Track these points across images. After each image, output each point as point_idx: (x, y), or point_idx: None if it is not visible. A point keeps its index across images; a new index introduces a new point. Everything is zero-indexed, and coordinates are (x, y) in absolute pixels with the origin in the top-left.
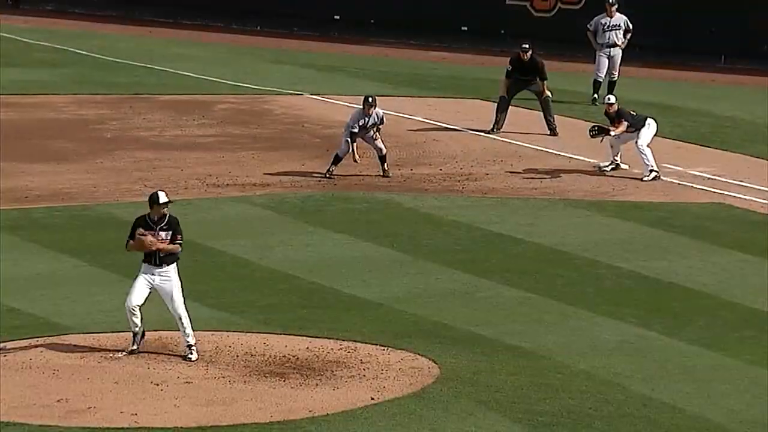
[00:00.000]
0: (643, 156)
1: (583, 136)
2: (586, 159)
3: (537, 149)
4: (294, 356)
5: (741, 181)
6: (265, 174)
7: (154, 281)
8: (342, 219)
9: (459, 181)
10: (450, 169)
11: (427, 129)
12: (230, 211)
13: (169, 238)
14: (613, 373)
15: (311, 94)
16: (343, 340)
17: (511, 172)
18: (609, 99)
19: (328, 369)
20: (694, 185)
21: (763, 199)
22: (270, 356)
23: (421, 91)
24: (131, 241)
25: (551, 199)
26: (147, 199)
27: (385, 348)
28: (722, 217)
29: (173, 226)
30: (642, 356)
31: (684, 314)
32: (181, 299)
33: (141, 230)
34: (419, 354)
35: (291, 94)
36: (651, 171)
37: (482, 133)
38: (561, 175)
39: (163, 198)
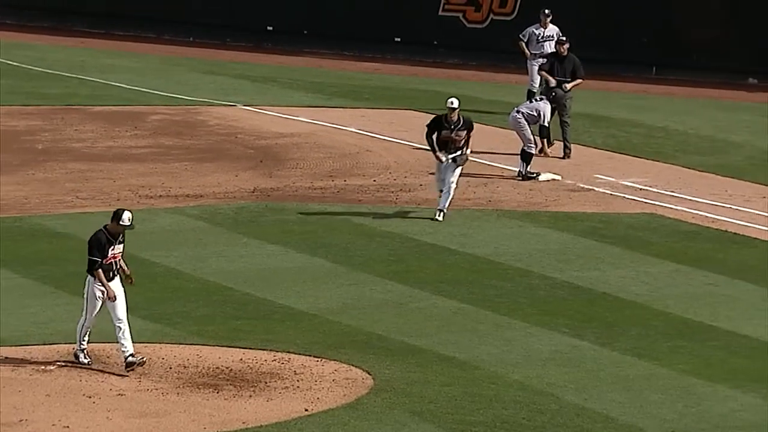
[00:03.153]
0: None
1: (516, 148)
2: (516, 169)
3: (470, 160)
4: (227, 368)
5: (672, 191)
6: (198, 185)
7: (104, 293)
8: (276, 230)
9: (393, 191)
10: (384, 179)
11: (361, 140)
12: (163, 222)
13: (123, 249)
14: (547, 383)
15: (244, 105)
16: (277, 351)
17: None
18: (452, 103)
19: (261, 380)
20: (626, 195)
21: (694, 209)
22: (203, 368)
23: (354, 102)
24: (104, 278)
25: (484, 209)
26: (82, 211)
27: (319, 359)
28: (654, 227)
29: (123, 239)
30: (575, 366)
31: (617, 324)
32: (125, 307)
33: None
34: (353, 365)
35: (224, 105)
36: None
37: (419, 145)
38: (494, 185)
39: (127, 220)
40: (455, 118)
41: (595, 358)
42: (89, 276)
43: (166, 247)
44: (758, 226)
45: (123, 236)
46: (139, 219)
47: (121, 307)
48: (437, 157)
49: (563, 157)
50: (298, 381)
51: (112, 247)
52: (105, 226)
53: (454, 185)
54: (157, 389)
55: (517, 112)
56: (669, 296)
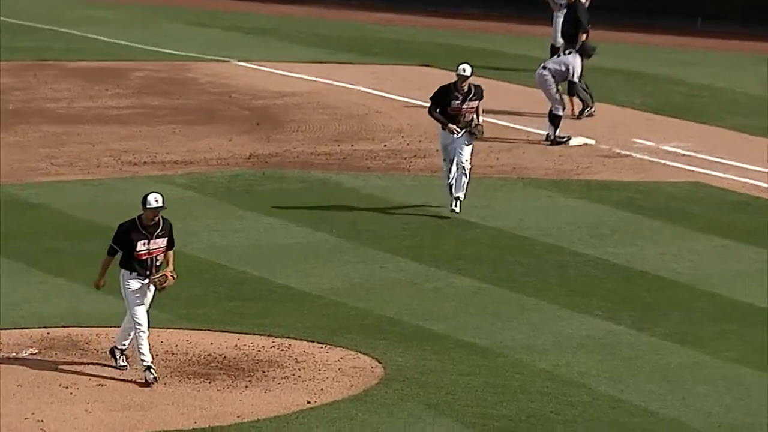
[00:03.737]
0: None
1: (544, 108)
2: (544, 132)
3: (493, 122)
4: (221, 355)
5: (719, 157)
6: (187, 150)
7: (141, 286)
8: (274, 201)
9: (406, 158)
10: (395, 144)
11: (370, 100)
12: (148, 192)
13: (165, 244)
14: (578, 373)
15: (239, 61)
16: (276, 337)
17: None
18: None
19: (258, 369)
20: (667, 162)
21: (743, 178)
22: (193, 355)
23: (363, 58)
24: (102, 270)
25: (509, 178)
26: (58, 179)
27: (323, 345)
28: (698, 198)
29: (169, 231)
30: (610, 353)
31: (656, 306)
32: (147, 306)
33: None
34: (361, 352)
35: (216, 60)
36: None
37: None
38: (520, 150)
39: (154, 202)
40: (466, 87)
41: (633, 345)
42: (122, 269)
43: None
44: None
45: (164, 226)
46: (120, 188)
47: (141, 308)
48: (450, 129)
49: (578, 116)
50: (299, 370)
51: (146, 241)
52: (139, 217)
53: (468, 165)
54: (142, 379)
55: (543, 68)
56: (715, 275)
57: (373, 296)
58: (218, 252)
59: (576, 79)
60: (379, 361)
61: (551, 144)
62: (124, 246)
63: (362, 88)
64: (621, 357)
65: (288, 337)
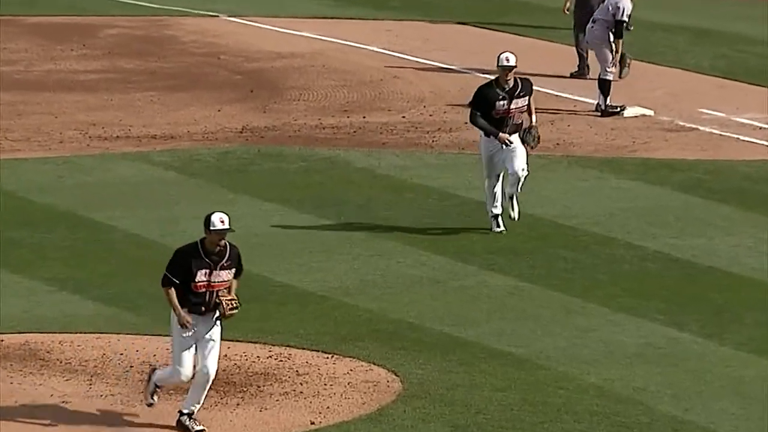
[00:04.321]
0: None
1: (593, 72)
2: (594, 101)
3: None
4: None
5: None
6: (168, 123)
7: (196, 330)
8: (272, 182)
9: (428, 132)
10: (416, 116)
11: (386, 63)
12: (122, 172)
13: (231, 276)
14: (634, 388)
15: (229, 16)
16: (274, 345)
17: None
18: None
19: (253, 383)
20: (741, 137)
21: None
22: None
23: (377, 12)
24: (176, 303)
25: (551, 155)
26: (13, 156)
27: (330, 355)
28: None
29: (236, 260)
30: (672, 365)
31: (728, 309)
32: (218, 355)
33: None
34: (375, 363)
35: (202, 15)
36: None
37: (464, 69)
38: (564, 123)
39: (219, 223)
40: (511, 82)
41: (700, 355)
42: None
43: (125, 205)
44: None
45: (231, 254)
46: (88, 167)
47: (212, 355)
48: (502, 139)
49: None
50: (301, 384)
51: (207, 271)
52: (201, 241)
53: (525, 173)
54: (113, 395)
55: (593, 21)
56: None
57: (389, 297)
58: None
59: (626, 18)
60: (396, 374)
61: (602, 115)
62: (180, 275)
63: (376, 49)
64: (685, 370)
65: (288, 346)
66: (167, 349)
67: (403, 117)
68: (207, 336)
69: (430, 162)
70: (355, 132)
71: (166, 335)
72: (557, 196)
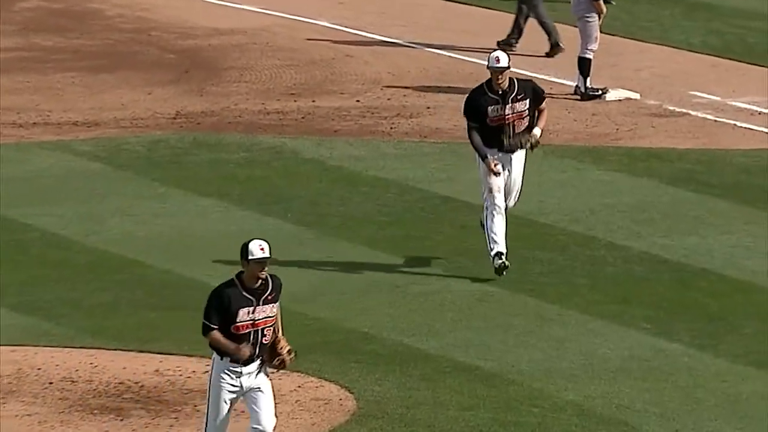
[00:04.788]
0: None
1: (573, 51)
2: (573, 83)
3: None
4: (137, 383)
5: None
6: (91, 108)
7: (242, 385)
8: (210, 175)
9: (386, 118)
10: (372, 100)
11: (338, 39)
12: (40, 163)
13: (276, 312)
14: (617, 406)
15: None
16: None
17: None
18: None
19: (188, 402)
20: (738, 123)
21: None
22: (100, 383)
23: None
24: (226, 342)
25: None
26: None
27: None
28: None
29: (279, 292)
30: (661, 380)
31: (724, 317)
32: (273, 406)
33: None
34: (326, 379)
35: None
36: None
37: (425, 47)
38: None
39: (259, 251)
40: (505, 84)
41: (691, 369)
42: (214, 355)
43: (43, 202)
44: None
45: (274, 286)
46: (2, 158)
47: (266, 407)
48: (488, 166)
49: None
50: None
51: (250, 309)
52: (238, 276)
53: (514, 198)
54: (30, 415)
55: None
56: None
57: (343, 304)
58: (134, 244)
59: None
60: (350, 391)
61: (582, 98)
62: (219, 318)
63: (327, 24)
64: (676, 385)
65: None
66: (91, 364)
67: (358, 101)
68: (254, 386)
69: (388, 152)
70: (303, 118)
71: (91, 347)
72: (531, 190)
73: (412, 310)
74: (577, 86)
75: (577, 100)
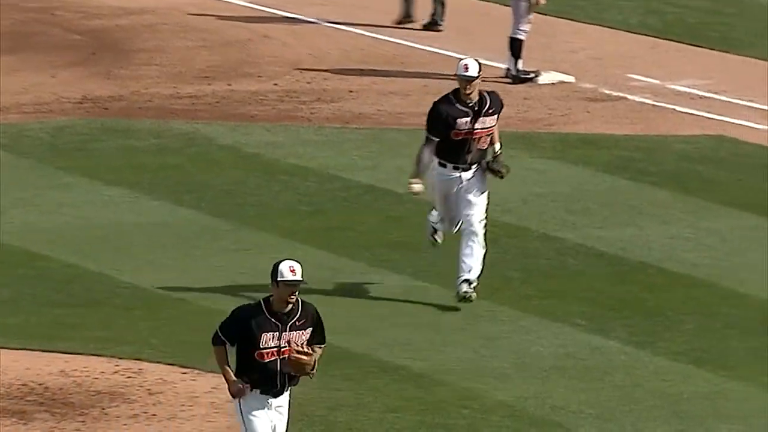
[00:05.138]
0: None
1: (502, 30)
2: (504, 66)
3: (430, 51)
4: (41, 384)
5: (750, 100)
6: None
7: (270, 418)
8: (118, 163)
9: (306, 102)
10: (291, 83)
11: (255, 19)
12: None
13: (306, 339)
14: (552, 407)
15: None
16: (121, 358)
17: (391, 92)
18: None
19: (96, 404)
20: (678, 107)
21: None
22: (2, 384)
23: None
24: (225, 365)
25: None
26: None
27: (188, 370)
28: (722, 158)
29: (312, 320)
30: (597, 379)
31: (663, 312)
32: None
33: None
34: None
35: None
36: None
37: (347, 27)
38: None
39: (289, 273)
40: (475, 96)
41: (629, 367)
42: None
43: None
44: None
45: (304, 311)
46: None
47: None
48: (408, 185)
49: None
50: (154, 405)
51: (275, 334)
52: (266, 298)
53: (481, 229)
54: None
55: None
56: (745, 267)
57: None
58: (37, 237)
59: None
60: None
61: (513, 82)
62: (237, 338)
63: (242, 2)
64: (613, 385)
65: (138, 359)
66: None
67: (276, 84)
68: (276, 407)
69: (308, 138)
70: (218, 102)
71: None
72: None
73: (334, 307)
74: (508, 69)
75: (508, 83)
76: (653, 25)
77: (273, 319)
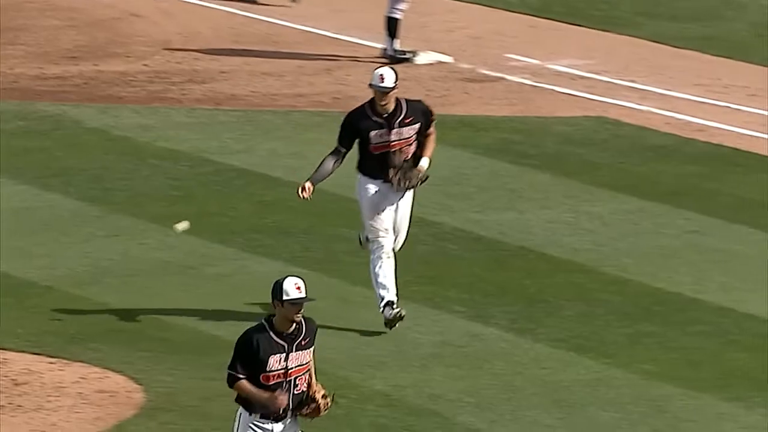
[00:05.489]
0: None
1: (377, 8)
2: (380, 46)
3: (303, 30)
4: None
5: (632, 80)
6: None
7: None
8: None
9: (176, 83)
10: (161, 64)
11: None
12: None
13: (311, 357)
14: (429, 396)
15: None
16: None
17: (264, 73)
18: None
19: None
20: (558, 88)
21: (669, 111)
22: None
23: None
24: (257, 392)
25: (328, 112)
26: None
27: (56, 360)
28: (603, 140)
29: (315, 335)
30: (476, 368)
31: (543, 299)
32: None
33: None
34: (112, 369)
35: None
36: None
37: (218, 5)
38: (343, 72)
39: (295, 291)
40: (391, 106)
41: (509, 355)
42: (241, 406)
43: None
44: None
45: (308, 329)
46: None
47: None
48: (300, 189)
49: None
50: (20, 396)
51: (282, 356)
52: (268, 319)
53: (402, 238)
54: None
55: None
56: (626, 252)
57: (130, 287)
58: None
59: None
60: (138, 383)
61: (390, 62)
62: (247, 367)
63: None
64: (492, 372)
65: (2, 348)
66: None
67: (145, 65)
68: None
69: (179, 120)
70: (85, 84)
71: None
72: None
73: (206, 294)
74: (384, 49)
75: (384, 63)
76: (532, 4)
77: (279, 341)
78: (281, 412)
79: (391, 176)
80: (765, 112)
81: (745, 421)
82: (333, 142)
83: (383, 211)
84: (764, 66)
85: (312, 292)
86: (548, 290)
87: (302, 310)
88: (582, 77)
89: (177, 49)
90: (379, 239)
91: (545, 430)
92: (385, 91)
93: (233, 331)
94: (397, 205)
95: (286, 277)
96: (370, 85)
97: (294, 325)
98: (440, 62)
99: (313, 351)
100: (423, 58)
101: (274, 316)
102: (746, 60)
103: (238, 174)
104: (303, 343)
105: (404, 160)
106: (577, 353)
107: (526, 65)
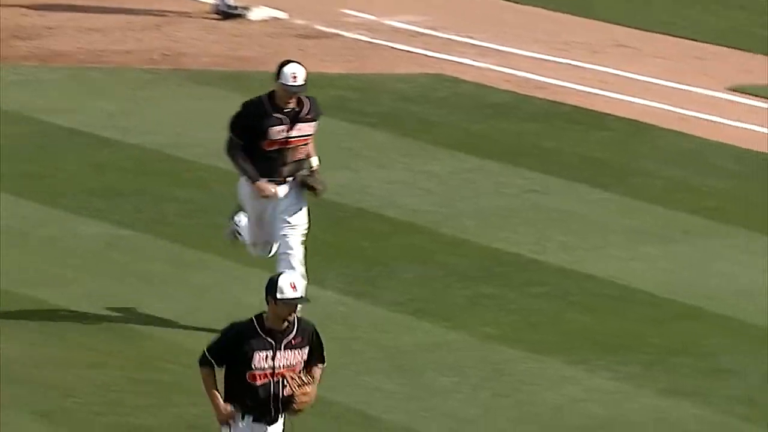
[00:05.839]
0: None
1: None
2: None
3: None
4: None
5: (471, 36)
6: None
7: None
8: None
9: (1, 39)
10: None
11: None
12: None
13: (303, 359)
14: None
15: None
16: None
17: (91, 29)
18: None
19: None
20: (394, 44)
21: (508, 68)
22: None
23: None
24: (212, 390)
25: (158, 69)
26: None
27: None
28: (440, 98)
29: (310, 339)
30: None
31: (380, 261)
32: None
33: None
34: None
35: None
36: None
37: None
38: (173, 27)
39: (289, 288)
40: (293, 102)
41: (346, 317)
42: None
43: None
44: (614, 95)
45: (300, 329)
46: None
47: None
48: (261, 189)
49: None
50: None
51: (268, 353)
52: (258, 315)
53: (300, 253)
54: None
55: None
56: (466, 212)
57: None
58: None
59: None
60: None
61: (222, 18)
62: (227, 359)
63: None
64: (330, 337)
65: None
66: None
67: None
68: None
69: (4, 78)
70: None
71: None
72: (167, 121)
73: (36, 258)
74: (216, 4)
75: (217, 19)
76: None
77: (267, 337)
78: (269, 419)
79: (285, 172)
80: (607, 69)
81: (588, 384)
82: (164, 101)
83: (264, 216)
84: (606, 22)
85: (143, 255)
86: (386, 252)
87: (296, 310)
88: (420, 33)
89: (2, 5)
90: (256, 246)
91: (384, 396)
92: (296, 91)
93: (61, 296)
94: (284, 206)
95: (281, 273)
96: (279, 83)
97: (285, 324)
98: (275, 18)
99: (316, 358)
100: (257, 13)
101: (263, 313)
102: (588, 16)
103: (66, 134)
104: (293, 342)
105: (296, 161)
106: (416, 317)
107: (363, 21)
